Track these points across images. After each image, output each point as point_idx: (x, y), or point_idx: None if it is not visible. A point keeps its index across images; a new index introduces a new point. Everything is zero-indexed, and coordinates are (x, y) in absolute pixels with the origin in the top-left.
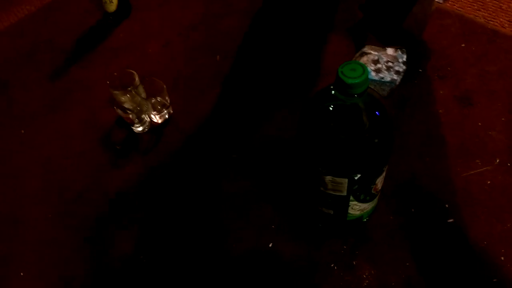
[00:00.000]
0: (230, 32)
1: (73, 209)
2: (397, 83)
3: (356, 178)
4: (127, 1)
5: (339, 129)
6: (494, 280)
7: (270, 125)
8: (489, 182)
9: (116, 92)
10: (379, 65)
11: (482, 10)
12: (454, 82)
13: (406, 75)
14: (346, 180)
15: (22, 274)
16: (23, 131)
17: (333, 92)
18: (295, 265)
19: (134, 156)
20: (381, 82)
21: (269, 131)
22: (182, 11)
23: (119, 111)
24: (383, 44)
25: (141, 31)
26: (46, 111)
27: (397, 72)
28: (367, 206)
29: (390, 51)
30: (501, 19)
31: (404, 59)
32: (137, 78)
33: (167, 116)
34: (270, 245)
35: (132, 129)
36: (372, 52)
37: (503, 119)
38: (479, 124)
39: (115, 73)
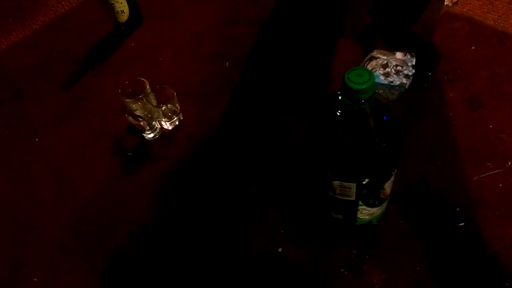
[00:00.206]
0: (239, 39)
1: (85, 215)
2: (407, 87)
3: (364, 182)
4: (138, 12)
5: (347, 134)
6: (507, 284)
7: (279, 130)
8: (500, 185)
9: (128, 100)
10: (388, 69)
11: (491, 12)
12: (464, 85)
13: (416, 79)
14: (354, 184)
15: (35, 279)
16: (37, 139)
17: (340, 97)
18: (305, 270)
19: (145, 163)
20: (390, 86)
21: (278, 137)
22: (192, 20)
23: (130, 118)
24: (392, 48)
25: (152, 40)
26: (59, 119)
27: (407, 76)
28: (376, 211)
29: (399, 55)
30: (511, 21)
31: (413, 63)
32: (148, 86)
33: (177, 123)
34: (280, 250)
35: (143, 136)
36: (381, 56)
37: None
38: (490, 126)
39: (127, 82)
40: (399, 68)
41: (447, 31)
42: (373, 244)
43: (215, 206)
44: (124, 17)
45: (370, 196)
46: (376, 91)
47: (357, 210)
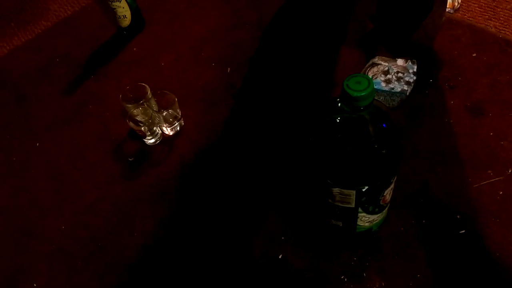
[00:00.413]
0: (241, 45)
1: (85, 220)
2: (408, 93)
3: (363, 190)
4: (140, 16)
5: (346, 141)
6: None
7: (280, 136)
8: (501, 192)
9: (129, 105)
10: (389, 76)
11: (493, 19)
12: (465, 92)
13: (417, 85)
14: (354, 192)
15: (35, 285)
16: (38, 144)
17: (339, 104)
18: (305, 277)
19: (146, 168)
20: (391, 93)
21: (279, 142)
22: (194, 25)
23: (131, 123)
24: (393, 55)
25: (153, 45)
26: (61, 124)
27: (408, 83)
28: (376, 218)
29: (400, 61)
30: None
31: (415, 70)
32: (149, 92)
33: (178, 128)
34: (280, 257)
35: (144, 141)
36: (382, 62)
37: None
38: (491, 134)
39: (128, 87)
40: (400, 74)
41: (448, 38)
42: (374, 251)
43: (215, 212)
44: (126, 22)
45: (370, 203)
46: (377, 97)
47: (357, 217)
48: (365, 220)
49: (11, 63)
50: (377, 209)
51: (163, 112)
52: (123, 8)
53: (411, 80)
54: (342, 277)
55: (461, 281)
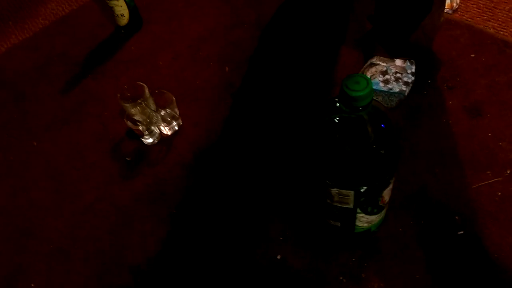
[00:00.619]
0: (239, 44)
1: (84, 220)
2: (406, 94)
3: (362, 190)
4: (138, 15)
5: (344, 142)
6: None
7: (279, 136)
8: (499, 193)
9: (127, 104)
10: (387, 76)
11: (492, 20)
12: (463, 93)
13: (415, 86)
14: (352, 192)
15: (32, 285)
16: (35, 143)
17: (338, 104)
18: (303, 277)
19: (144, 168)
20: (389, 93)
21: (278, 142)
22: (192, 24)
23: (129, 123)
24: (391, 56)
25: (151, 44)
26: (59, 123)
27: (406, 83)
28: (374, 218)
29: (398, 62)
30: (511, 29)
31: (413, 70)
32: (147, 91)
33: (176, 128)
34: (278, 257)
35: (142, 140)
36: (380, 63)
37: None
38: (489, 135)
39: (126, 86)
40: (398, 75)
41: (446, 39)
42: (372, 252)
43: (214, 212)
44: (124, 20)
45: (369, 204)
46: (375, 98)
47: (355, 217)
48: (364, 220)
49: (8, 62)
50: (375, 210)
51: (161, 112)
52: (121, 6)
53: (410, 81)
54: (341, 277)
55: (460, 282)
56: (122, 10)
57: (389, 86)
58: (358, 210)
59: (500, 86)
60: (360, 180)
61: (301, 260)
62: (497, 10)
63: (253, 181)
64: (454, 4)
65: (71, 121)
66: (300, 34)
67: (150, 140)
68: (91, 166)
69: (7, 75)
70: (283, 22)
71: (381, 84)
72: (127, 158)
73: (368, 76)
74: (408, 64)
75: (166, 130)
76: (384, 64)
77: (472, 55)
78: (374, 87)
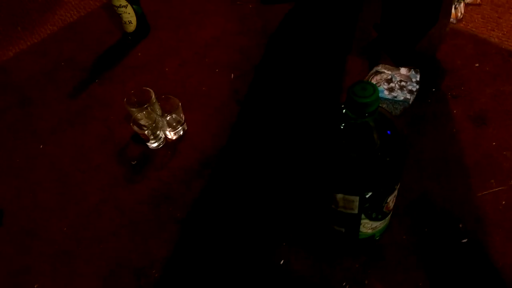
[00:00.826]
0: (245, 51)
1: (88, 222)
2: (410, 102)
3: (367, 196)
4: (145, 22)
5: (350, 148)
6: None
7: (283, 142)
8: (503, 202)
9: (133, 109)
10: (392, 84)
11: (496, 30)
12: (468, 102)
13: (420, 94)
14: (357, 198)
15: (36, 286)
16: (41, 146)
17: (344, 111)
18: (307, 283)
19: (148, 172)
20: (394, 101)
21: (283, 148)
22: (198, 32)
23: (135, 127)
24: (396, 64)
25: (158, 50)
26: (65, 126)
27: (410, 92)
28: (379, 225)
29: (403, 70)
30: None
31: (418, 79)
32: (153, 96)
33: (181, 133)
34: (282, 262)
35: (147, 145)
36: (385, 71)
37: None
38: (494, 143)
39: (132, 91)
40: (403, 83)
41: (451, 48)
42: (376, 258)
43: (217, 217)
44: (132, 27)
45: (373, 210)
46: (380, 105)
47: (359, 223)
48: (368, 226)
49: (16, 66)
50: (380, 216)
51: (166, 117)
52: (129, 13)
53: (414, 89)
54: (344, 283)
55: None
56: (130, 17)
57: (394, 94)
58: (363, 216)
59: (505, 96)
60: (365, 186)
61: (305, 265)
62: (502, 20)
63: (257, 186)
64: (459, 14)
65: (76, 124)
66: (306, 42)
67: (155, 145)
68: (96, 168)
69: (15, 79)
70: (289, 30)
71: (386, 92)
72: (132, 162)
73: None
74: (413, 72)
75: (171, 135)
76: (389, 72)
77: (477, 65)
78: None
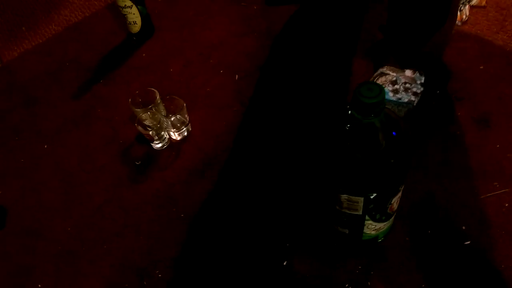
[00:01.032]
0: (249, 52)
1: (92, 222)
2: (415, 104)
3: (371, 197)
4: (150, 23)
5: (356, 148)
6: None
7: (287, 143)
8: (507, 204)
9: (137, 109)
10: (396, 86)
11: (501, 32)
12: (472, 104)
13: (424, 96)
14: (362, 199)
15: (40, 286)
16: (45, 146)
17: (350, 111)
18: (310, 284)
19: (152, 172)
20: (398, 103)
21: (286, 150)
22: (203, 32)
23: (139, 128)
24: (401, 66)
25: (163, 51)
26: (70, 126)
27: (415, 94)
28: (382, 226)
29: (408, 72)
30: None
31: (422, 81)
32: (158, 97)
33: (186, 134)
34: (285, 263)
35: (151, 145)
36: (390, 73)
37: None
38: (497, 146)
39: (137, 91)
40: (407, 85)
41: (456, 50)
42: (379, 260)
43: (221, 217)
44: (136, 28)
45: (377, 211)
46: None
47: (363, 224)
48: (372, 228)
49: (21, 66)
50: (384, 217)
51: (171, 117)
52: (134, 14)
53: (419, 91)
54: (347, 285)
55: None
56: (134, 17)
57: (398, 96)
58: (367, 217)
59: (509, 98)
60: (370, 187)
61: (308, 266)
62: (507, 23)
63: (261, 187)
64: (464, 16)
65: (81, 124)
66: (310, 43)
67: (160, 145)
68: (100, 169)
69: (19, 79)
70: (294, 32)
71: (390, 94)
72: (136, 162)
73: None
74: (418, 74)
75: (175, 136)
76: (394, 74)
77: (481, 67)
78: None
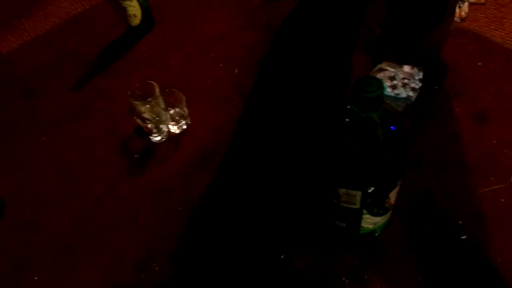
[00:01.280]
0: (250, 46)
1: (90, 214)
2: (413, 99)
3: (369, 191)
4: (150, 16)
5: (354, 142)
6: None
7: (286, 137)
8: (503, 200)
9: (137, 102)
10: (395, 82)
11: (499, 29)
12: (470, 100)
13: (422, 92)
14: (360, 192)
15: (36, 278)
16: (43, 138)
17: (349, 106)
18: (307, 277)
19: (151, 165)
20: (396, 98)
21: (284, 144)
22: (203, 26)
23: (138, 120)
24: (399, 62)
25: (163, 44)
26: (68, 119)
27: (413, 89)
28: (380, 220)
29: (406, 68)
30: None
31: (421, 77)
32: (157, 90)
33: (184, 127)
34: (282, 257)
35: (150, 138)
36: (389, 68)
37: None
38: (494, 142)
39: (136, 84)
40: (406, 81)
41: (454, 47)
42: (376, 253)
43: (218, 211)
44: (137, 20)
45: (375, 205)
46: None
47: (361, 218)
48: (369, 222)
49: (21, 58)
50: (381, 211)
51: (170, 110)
52: (134, 7)
53: (417, 87)
54: (344, 278)
55: (462, 286)
56: (135, 10)
57: (397, 91)
58: (364, 211)
59: (507, 94)
60: (368, 181)
61: (305, 259)
62: (505, 20)
63: (259, 181)
64: (463, 13)
65: (80, 117)
66: (311, 38)
67: (158, 138)
68: (99, 161)
69: (19, 71)
70: (294, 26)
71: (389, 89)
72: (135, 155)
73: None
74: (416, 70)
75: (174, 129)
76: (392, 70)
77: (479, 63)
78: None
